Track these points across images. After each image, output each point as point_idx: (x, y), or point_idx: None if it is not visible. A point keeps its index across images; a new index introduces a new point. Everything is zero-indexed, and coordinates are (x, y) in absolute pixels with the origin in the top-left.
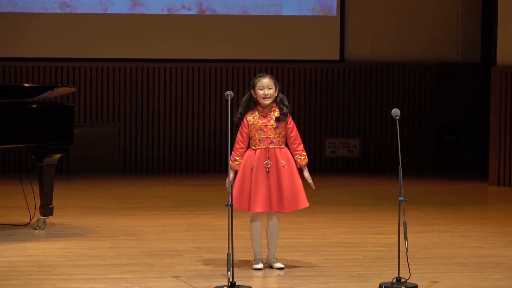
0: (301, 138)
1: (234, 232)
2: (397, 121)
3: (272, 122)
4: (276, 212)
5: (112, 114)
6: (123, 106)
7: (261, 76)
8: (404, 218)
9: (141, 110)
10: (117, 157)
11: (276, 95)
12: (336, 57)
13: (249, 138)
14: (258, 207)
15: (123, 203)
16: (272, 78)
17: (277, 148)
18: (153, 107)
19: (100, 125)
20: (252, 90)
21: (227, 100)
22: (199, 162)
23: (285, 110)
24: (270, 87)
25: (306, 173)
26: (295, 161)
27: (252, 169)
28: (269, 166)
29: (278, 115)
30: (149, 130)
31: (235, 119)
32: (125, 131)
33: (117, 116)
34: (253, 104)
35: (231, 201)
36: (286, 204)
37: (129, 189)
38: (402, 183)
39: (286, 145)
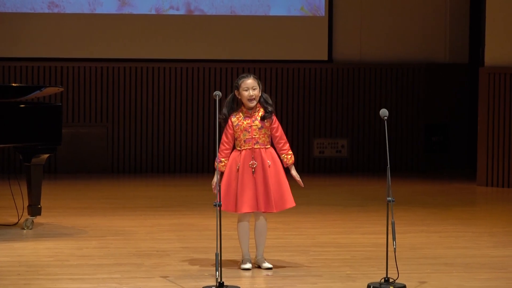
0: (289, 139)
1: (222, 232)
2: (385, 122)
3: (257, 122)
4: (264, 212)
5: (100, 114)
6: (111, 106)
7: (244, 77)
8: (393, 218)
9: (129, 110)
10: (105, 157)
11: (260, 95)
12: (325, 57)
13: (234, 139)
14: (245, 208)
15: (111, 203)
16: (255, 78)
17: (262, 148)
18: (141, 107)
19: (88, 125)
20: (236, 91)
21: (215, 100)
22: (187, 163)
23: (269, 109)
24: (254, 87)
25: (294, 172)
26: (282, 160)
27: (238, 170)
28: (254, 166)
29: (263, 114)
30: (137, 130)
31: (220, 120)
32: (113, 131)
33: (105, 116)
34: (236, 104)
35: (219, 201)
36: (273, 204)
37: (117, 189)
38: (390, 183)
39: (272, 145)
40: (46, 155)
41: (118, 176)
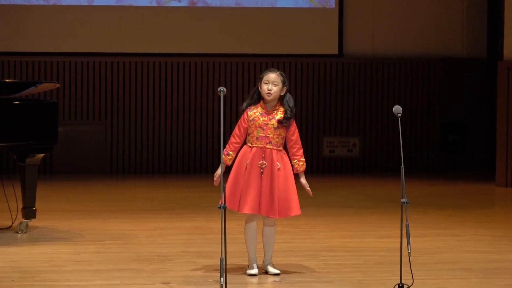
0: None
1: (227, 236)
2: (399, 119)
3: (274, 121)
4: (266, 216)
5: (98, 111)
6: (109, 103)
7: (270, 71)
8: (407, 221)
9: (129, 107)
10: (103, 157)
11: (283, 94)
12: (335, 51)
13: (247, 134)
14: (247, 208)
15: (109, 205)
16: (281, 75)
17: (274, 149)
18: (141, 104)
19: (85, 123)
20: (259, 84)
21: (219, 96)
22: (190, 162)
23: (288, 114)
24: (275, 83)
25: (304, 180)
26: (293, 166)
27: (246, 167)
28: (263, 166)
29: (282, 116)
30: (137, 128)
31: (241, 109)
32: (112, 130)
33: (104, 114)
34: (257, 97)
35: (224, 203)
36: (276, 209)
37: (116, 190)
38: (404, 184)
39: (285, 148)
40: (42, 155)
41: (117, 177)
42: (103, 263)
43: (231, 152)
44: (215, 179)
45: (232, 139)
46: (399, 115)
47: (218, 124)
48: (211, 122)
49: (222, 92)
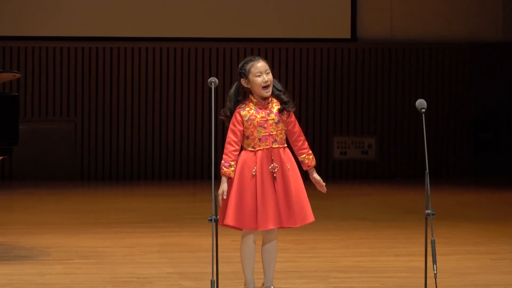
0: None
1: (219, 254)
2: (423, 115)
3: (273, 115)
4: (286, 227)
5: (66, 106)
6: (80, 96)
7: (252, 60)
8: (432, 236)
9: (103, 101)
10: (72, 160)
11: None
12: (347, 35)
13: (245, 138)
14: (271, 223)
15: (80, 218)
16: (265, 60)
17: (281, 147)
18: (117, 97)
19: (51, 120)
20: (242, 80)
21: (210, 88)
22: (176, 166)
23: (284, 98)
24: (268, 71)
25: (316, 175)
26: (302, 162)
27: (254, 176)
28: (276, 170)
29: (278, 106)
30: (112, 126)
31: (223, 118)
32: (83, 128)
33: (73, 110)
34: (242, 96)
35: (216, 215)
36: (295, 216)
37: (88, 200)
38: (429, 192)
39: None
40: (0, 158)
41: (89, 184)
42: (72, 286)
43: (233, 163)
44: (220, 198)
45: (229, 147)
46: (423, 110)
47: (209, 121)
48: (200, 120)
49: (213, 83)
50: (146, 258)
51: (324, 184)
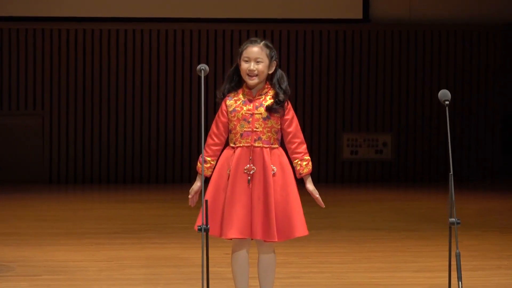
0: (307, 134)
1: (210, 269)
2: (447, 108)
3: (262, 109)
4: (262, 240)
5: (33, 98)
6: (48, 87)
7: (251, 42)
8: (457, 248)
9: (74, 92)
10: (40, 160)
11: (271, 71)
12: (359, 15)
13: (229, 131)
14: (233, 232)
15: (49, 227)
16: (266, 46)
17: (266, 147)
18: (91, 87)
19: (15, 114)
20: (238, 60)
21: (199, 77)
22: (159, 168)
23: (281, 96)
24: (259, 60)
25: (311, 186)
26: (295, 168)
27: (229, 176)
28: (251, 172)
29: (272, 102)
30: (86, 121)
31: (217, 100)
32: (52, 123)
33: (40, 102)
34: (238, 80)
35: (206, 224)
36: (274, 230)
37: (58, 206)
38: (454, 198)
39: (282, 144)
40: None
41: (59, 187)
42: None
43: (209, 159)
44: (189, 196)
45: (209, 140)
46: (447, 102)
47: (198, 114)
48: (188, 112)
49: (203, 71)
50: (126, 274)
51: (319, 197)
